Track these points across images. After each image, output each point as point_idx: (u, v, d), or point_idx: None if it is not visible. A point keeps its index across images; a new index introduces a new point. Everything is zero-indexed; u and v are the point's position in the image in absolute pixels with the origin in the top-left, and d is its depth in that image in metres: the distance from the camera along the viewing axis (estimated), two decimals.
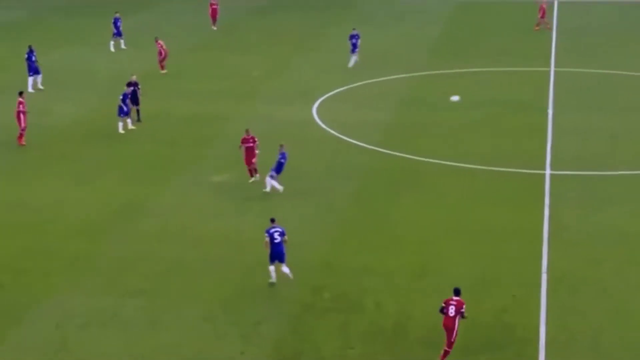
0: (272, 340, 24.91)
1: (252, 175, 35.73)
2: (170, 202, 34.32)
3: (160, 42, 52.69)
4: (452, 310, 23.43)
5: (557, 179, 36.06)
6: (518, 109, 45.53)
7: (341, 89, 49.24)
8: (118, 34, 58.42)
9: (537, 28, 63.55)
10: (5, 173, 37.44)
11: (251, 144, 35.55)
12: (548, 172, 36.79)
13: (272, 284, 27.84)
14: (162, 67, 52.60)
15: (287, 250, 27.90)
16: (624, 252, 29.71)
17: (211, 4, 65.86)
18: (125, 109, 41.98)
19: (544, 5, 64.39)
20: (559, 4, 72.06)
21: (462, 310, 23.45)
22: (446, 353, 23.61)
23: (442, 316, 23.71)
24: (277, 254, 27.88)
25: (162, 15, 70.41)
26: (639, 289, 27.36)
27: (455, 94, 46.34)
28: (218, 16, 65.46)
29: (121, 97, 42.12)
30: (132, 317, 26.05)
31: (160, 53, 52.42)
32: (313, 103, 46.48)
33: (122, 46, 58.60)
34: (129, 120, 42.39)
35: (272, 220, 28.37)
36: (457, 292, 23.84)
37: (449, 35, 62.93)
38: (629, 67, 52.97)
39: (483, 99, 47.20)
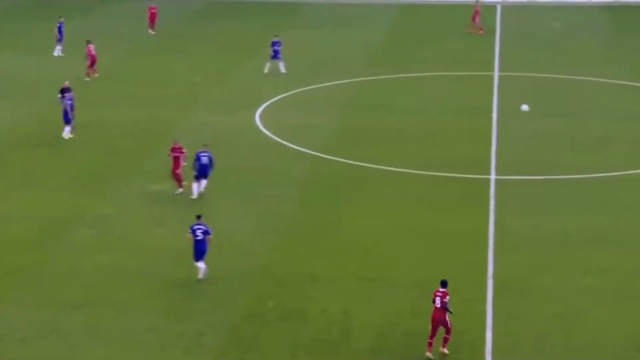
0: (215, 351, 24.89)
1: (180, 185, 35.40)
2: (110, 211, 34.11)
3: (91, 46, 51.86)
4: (438, 302, 24.34)
5: (501, 183, 36.52)
6: (462, 113, 46.02)
7: (284, 95, 49.35)
8: (62, 39, 57.80)
9: (469, 30, 64.20)
10: None
11: (178, 154, 35.27)
12: (493, 177, 37.24)
13: (199, 280, 28.34)
14: (89, 74, 51.68)
15: (229, 258, 27.92)
16: (568, 256, 30.17)
17: (149, 8, 65.52)
18: (69, 115, 41.69)
19: (478, 8, 65.03)
20: (502, 7, 72.95)
21: (446, 301, 24.25)
22: (446, 341, 24.41)
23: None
24: (199, 252, 28.31)
25: (100, 20, 69.88)
26: (582, 293, 27.81)
27: (402, 98, 46.92)
28: (157, 20, 65.15)
29: (70, 103, 41.81)
30: (73, 330, 25.86)
31: (88, 58, 51.66)
32: (256, 109, 46.52)
33: (60, 53, 57.95)
34: (68, 128, 42.06)
35: (198, 217, 28.79)
36: (443, 283, 24.59)
37: (392, 40, 63.38)
38: (572, 71, 53.78)
39: (427, 104, 47.62)
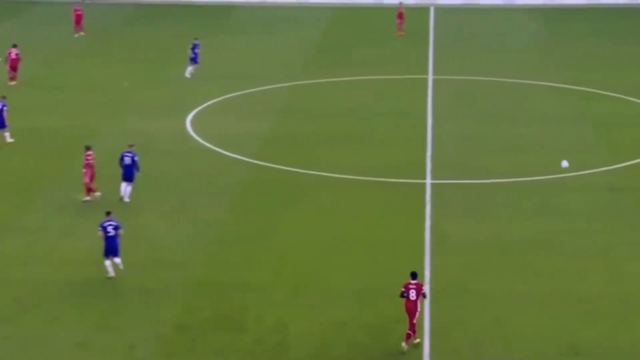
0: None
1: (88, 194, 34.96)
2: (35, 221, 33.51)
3: (12, 50, 50.96)
4: (413, 294, 24.84)
5: (437, 187, 36.68)
6: (397, 117, 46.18)
7: (216, 100, 49.05)
8: None
9: (401, 33, 64.58)
10: None
11: (90, 161, 34.89)
12: (429, 181, 37.40)
13: (109, 278, 28.39)
14: (12, 78, 50.84)
15: (161, 268, 27.60)
16: (504, 260, 30.39)
17: (75, 10, 64.75)
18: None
19: (403, 10, 65.41)
20: (435, 10, 73.49)
21: (423, 291, 25.10)
22: (409, 336, 24.81)
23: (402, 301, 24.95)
24: (110, 248, 28.56)
25: (28, 24, 68.79)
26: (519, 297, 28.02)
27: (336, 102, 46.93)
28: (83, 22, 64.36)
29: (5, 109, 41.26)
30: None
31: (9, 61, 50.76)
32: (187, 115, 46.14)
33: None
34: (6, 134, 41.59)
35: (108, 213, 29.00)
36: (414, 275, 25.22)
37: (325, 44, 63.44)
38: (506, 73, 54.34)
39: (361, 108, 47.70)
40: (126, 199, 34.82)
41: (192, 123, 45.09)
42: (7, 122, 41.78)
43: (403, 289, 25.05)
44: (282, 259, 30.59)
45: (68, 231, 32.64)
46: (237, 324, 26.46)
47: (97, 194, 34.92)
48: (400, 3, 66.51)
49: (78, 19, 64.40)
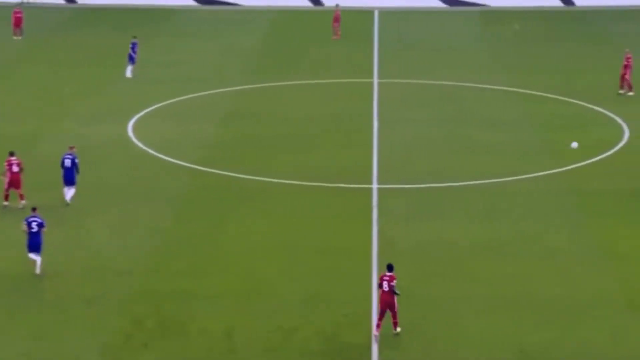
0: None
1: (7, 200, 34.88)
2: None
3: None
4: (385, 285, 25.87)
5: (384, 192, 36.89)
6: (343, 121, 46.36)
7: (158, 105, 48.82)
8: None
9: (337, 37, 64.83)
10: None
11: (15, 169, 34.74)
12: (375, 186, 37.59)
13: (36, 275, 29.20)
14: None
15: (103, 278, 27.45)
16: (452, 265, 30.65)
17: (15, 12, 64.08)
18: None
19: (339, 13, 65.66)
20: (379, 13, 73.90)
21: (393, 284, 25.81)
22: (396, 324, 26.00)
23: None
24: (33, 244, 29.38)
25: None
26: (468, 301, 28.28)
27: (281, 106, 47.00)
28: (22, 25, 63.70)
29: None
30: None
31: None
32: (128, 121, 45.87)
33: None
34: None
35: (34, 209, 30.10)
36: (389, 267, 26.23)
37: (269, 47, 63.48)
38: (451, 76, 54.81)
39: (307, 112, 47.81)
40: (67, 200, 34.70)
41: (134, 128, 44.85)
42: None
43: (379, 280, 26.34)
44: (229, 266, 30.55)
45: (4, 240, 32.18)
46: (184, 332, 26.36)
47: (23, 202, 34.50)
48: (337, 5, 66.71)
49: (18, 22, 63.76)
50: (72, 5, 76.07)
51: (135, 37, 54.58)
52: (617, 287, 29.18)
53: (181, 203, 35.94)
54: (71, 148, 35.59)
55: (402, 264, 30.14)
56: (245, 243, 32.30)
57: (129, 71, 53.64)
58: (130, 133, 44.21)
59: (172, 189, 37.20)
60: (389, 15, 73.66)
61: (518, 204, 35.95)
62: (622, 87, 50.68)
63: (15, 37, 63.43)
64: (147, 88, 51.81)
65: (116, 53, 59.08)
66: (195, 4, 76.85)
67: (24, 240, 29.91)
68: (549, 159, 40.92)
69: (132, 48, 53.68)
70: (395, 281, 25.90)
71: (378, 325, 25.87)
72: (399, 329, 26.06)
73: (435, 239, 32.67)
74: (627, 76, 50.31)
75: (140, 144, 42.62)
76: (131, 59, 53.68)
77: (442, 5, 76.39)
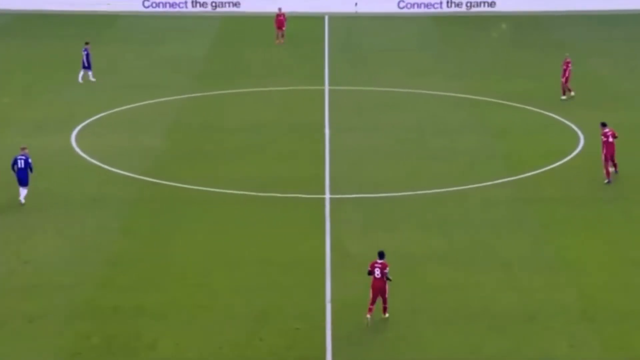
0: None
1: None
2: None
3: None
4: (377, 272, 27.50)
5: (337, 203, 37.00)
6: (293, 130, 46.45)
7: (103, 114, 48.56)
8: None
9: (280, 42, 64.98)
10: None
11: None
12: (327, 196, 37.69)
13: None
14: None
15: (47, 294, 27.21)
16: (407, 275, 30.81)
17: None
18: None
19: (282, 16, 65.79)
20: (329, 18, 74.11)
21: (386, 271, 27.46)
22: (385, 309, 27.83)
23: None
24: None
25: None
26: (422, 313, 28.47)
27: (231, 115, 46.97)
28: None
29: None
30: None
31: None
32: (72, 130, 45.57)
33: None
34: None
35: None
36: (381, 255, 27.84)
37: (215, 54, 63.43)
38: (405, 83, 55.11)
39: (256, 121, 47.82)
40: (22, 200, 35.69)
41: (78, 139, 44.55)
42: None
43: (369, 268, 27.71)
44: (178, 279, 30.45)
45: None
46: (131, 349, 26.24)
47: None
48: (279, 9, 66.73)
49: None
50: (9, 10, 75.29)
51: (87, 43, 54.44)
52: (573, 297, 29.53)
53: (128, 215, 35.77)
54: (23, 149, 36.54)
55: (356, 276, 30.28)
56: (194, 256, 32.23)
57: (80, 77, 53.62)
58: (73, 143, 43.92)
59: (118, 201, 37.00)
60: (340, 20, 73.90)
61: (473, 213, 36.25)
62: (564, 93, 51.41)
63: None
64: (91, 96, 51.49)
65: (57, 59, 58.70)
66: (141, 9, 76.47)
67: None
68: (503, 166, 41.30)
69: (85, 53, 53.60)
70: (388, 268, 27.53)
71: (370, 310, 27.36)
72: (387, 314, 27.74)
73: (389, 249, 32.74)
74: (563, 79, 51.28)
75: (84, 155, 42.34)
76: (85, 65, 53.62)
77: (395, 10, 76.75)
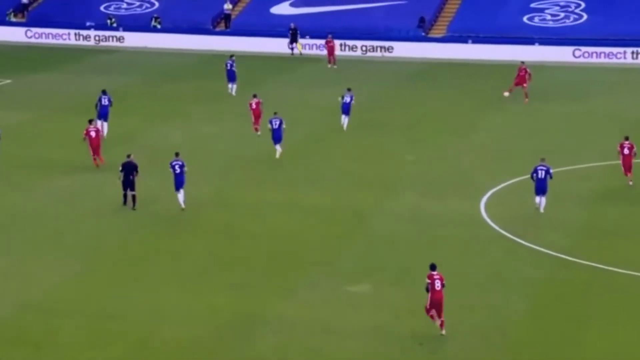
0: None
1: None
2: None
3: None
4: (438, 284, 31.06)
5: None
6: None
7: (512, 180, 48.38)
8: None
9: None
10: None
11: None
12: None
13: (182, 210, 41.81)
14: None
15: None
16: None
17: None
18: None
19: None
20: None
21: (444, 281, 31.31)
22: (442, 323, 31.18)
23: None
24: (178, 183, 42.69)
25: None
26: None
27: None
28: None
29: None
30: None
31: None
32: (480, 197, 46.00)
33: None
34: None
35: (177, 154, 43.07)
36: (433, 267, 31.42)
37: None
38: None
39: None
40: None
41: (486, 205, 44.87)
42: None
43: (429, 281, 31.08)
44: None
45: None
46: None
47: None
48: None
49: None
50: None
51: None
52: None
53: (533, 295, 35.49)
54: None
55: None
56: (609, 349, 31.41)
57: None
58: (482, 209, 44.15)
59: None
60: None
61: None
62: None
63: None
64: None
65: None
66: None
67: None
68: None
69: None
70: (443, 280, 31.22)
71: (442, 324, 31.05)
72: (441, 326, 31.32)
73: None
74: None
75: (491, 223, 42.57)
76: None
77: None
